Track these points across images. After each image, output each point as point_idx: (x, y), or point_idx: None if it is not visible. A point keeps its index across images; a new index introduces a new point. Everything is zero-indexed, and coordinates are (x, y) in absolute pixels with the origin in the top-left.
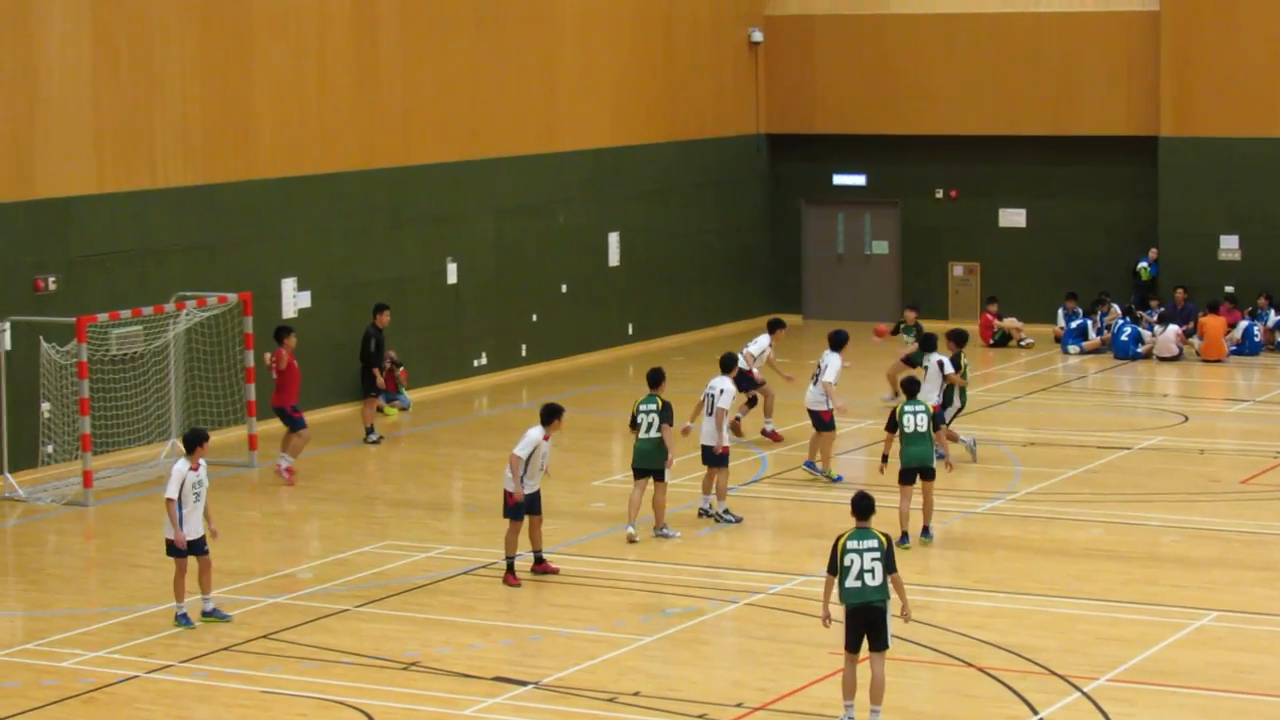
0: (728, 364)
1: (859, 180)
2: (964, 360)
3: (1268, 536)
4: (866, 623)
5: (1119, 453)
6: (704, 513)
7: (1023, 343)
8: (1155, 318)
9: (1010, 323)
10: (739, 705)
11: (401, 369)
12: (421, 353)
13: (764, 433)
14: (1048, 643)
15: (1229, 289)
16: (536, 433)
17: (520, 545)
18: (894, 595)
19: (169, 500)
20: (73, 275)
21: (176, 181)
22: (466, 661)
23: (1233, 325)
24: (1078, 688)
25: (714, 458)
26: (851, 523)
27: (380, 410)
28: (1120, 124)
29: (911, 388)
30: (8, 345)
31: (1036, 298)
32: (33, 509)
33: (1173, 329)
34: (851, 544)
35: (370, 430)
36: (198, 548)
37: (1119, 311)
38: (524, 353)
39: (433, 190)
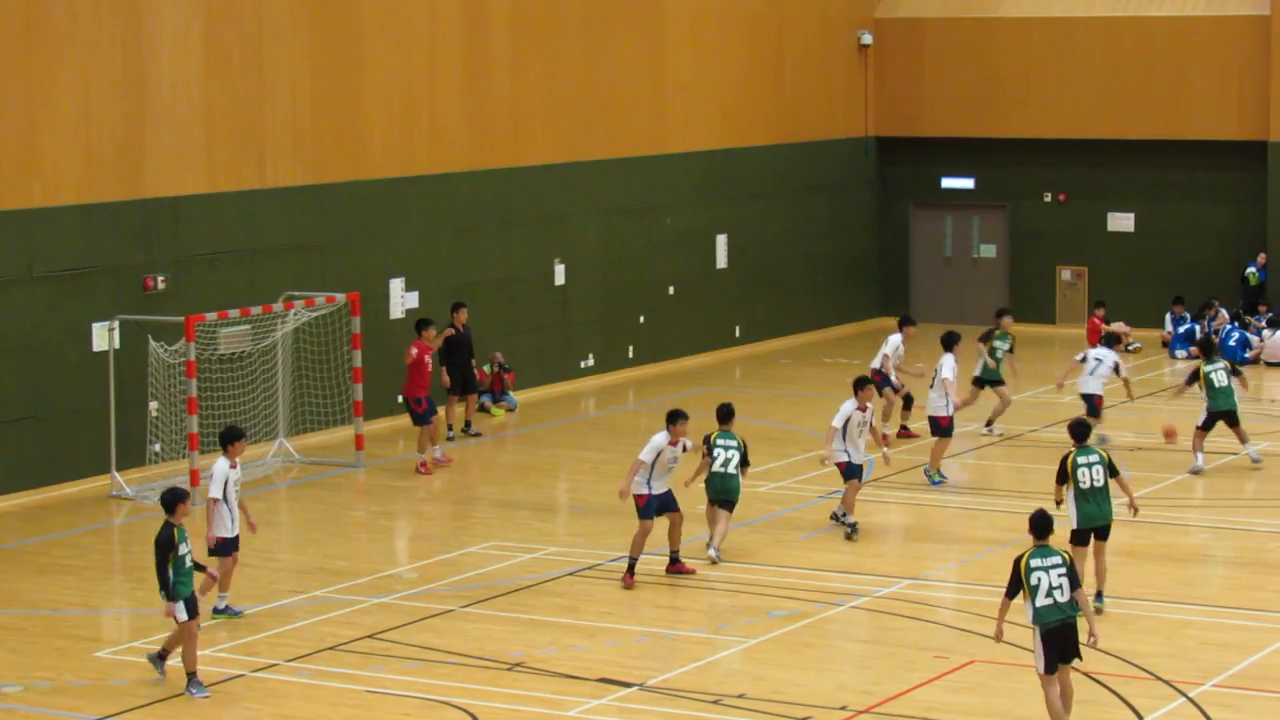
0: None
1: (967, 183)
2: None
3: None
4: (1064, 640)
5: (1227, 458)
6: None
7: (1130, 347)
8: (1263, 323)
9: (1118, 327)
10: (843, 708)
11: (509, 372)
12: (529, 354)
13: (902, 431)
14: (1154, 648)
15: None
16: (661, 438)
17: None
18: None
19: (213, 500)
20: (182, 274)
21: (285, 181)
22: (571, 663)
23: None
24: (1183, 693)
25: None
26: (1028, 541)
27: (486, 410)
28: (1230, 128)
29: (1081, 432)
30: (117, 344)
31: (1144, 302)
32: (140, 507)
33: None
34: (1035, 562)
35: (453, 428)
36: (234, 545)
37: (1227, 316)
38: (631, 354)
39: (541, 191)
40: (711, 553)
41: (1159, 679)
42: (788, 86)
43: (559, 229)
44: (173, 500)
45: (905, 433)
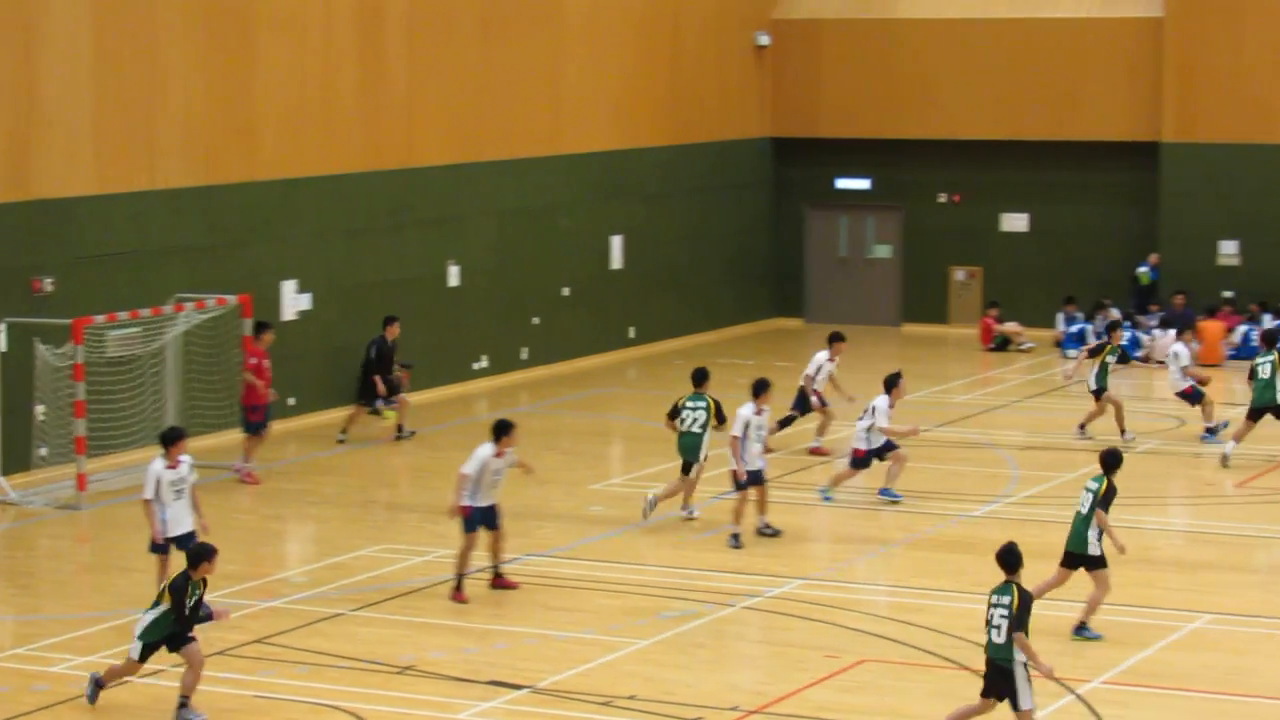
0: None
1: (863, 184)
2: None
3: (1263, 539)
4: (991, 676)
5: None
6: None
7: (1023, 347)
8: (1155, 322)
9: (1010, 327)
10: (734, 709)
11: (406, 371)
12: (422, 355)
13: (811, 450)
14: (1044, 646)
15: (1228, 294)
16: (486, 449)
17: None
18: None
19: (146, 501)
20: (70, 276)
21: (176, 183)
22: (461, 666)
23: (1231, 330)
24: (1071, 690)
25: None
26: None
27: (378, 414)
28: (1123, 129)
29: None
30: (3, 347)
31: (1037, 302)
32: (25, 512)
33: (1171, 333)
34: (992, 598)
35: (344, 432)
36: (183, 543)
37: (1119, 316)
38: (525, 356)
39: (435, 192)
40: (682, 513)
41: (1049, 677)
42: (684, 87)
43: (453, 230)
44: (198, 557)
45: (817, 450)
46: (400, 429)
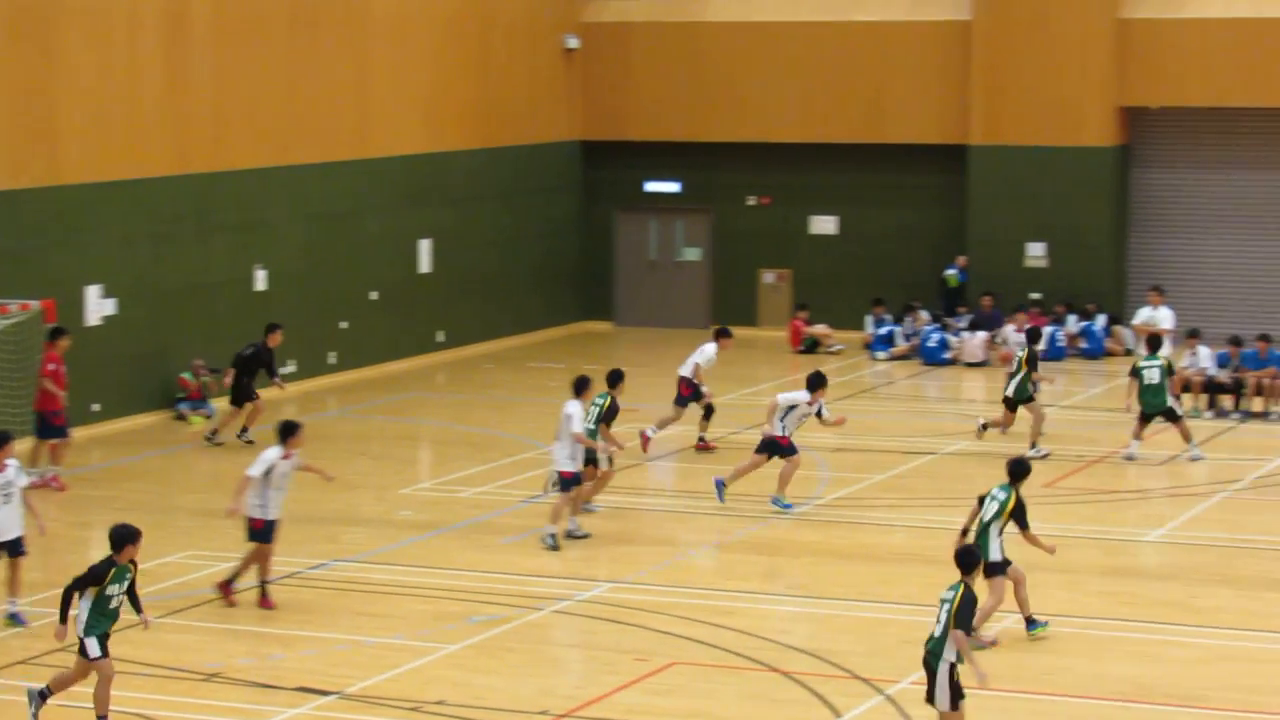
0: (580, 387)
1: (672, 187)
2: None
3: (1070, 539)
4: (928, 678)
5: (925, 457)
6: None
7: (832, 349)
8: (963, 324)
9: (819, 329)
10: (544, 713)
11: (211, 378)
12: (229, 360)
13: (699, 443)
14: (852, 646)
15: (1035, 295)
16: (273, 452)
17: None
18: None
19: None
20: None
21: None
22: (269, 672)
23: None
24: (880, 690)
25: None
26: None
27: (184, 419)
28: (931, 133)
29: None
30: None
31: (847, 304)
32: None
33: (980, 335)
34: (945, 593)
35: (244, 430)
36: (13, 548)
37: (927, 318)
38: (333, 360)
39: (242, 196)
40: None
41: (857, 677)
42: (492, 90)
43: (260, 234)
44: (121, 540)
45: (703, 445)
46: (245, 430)
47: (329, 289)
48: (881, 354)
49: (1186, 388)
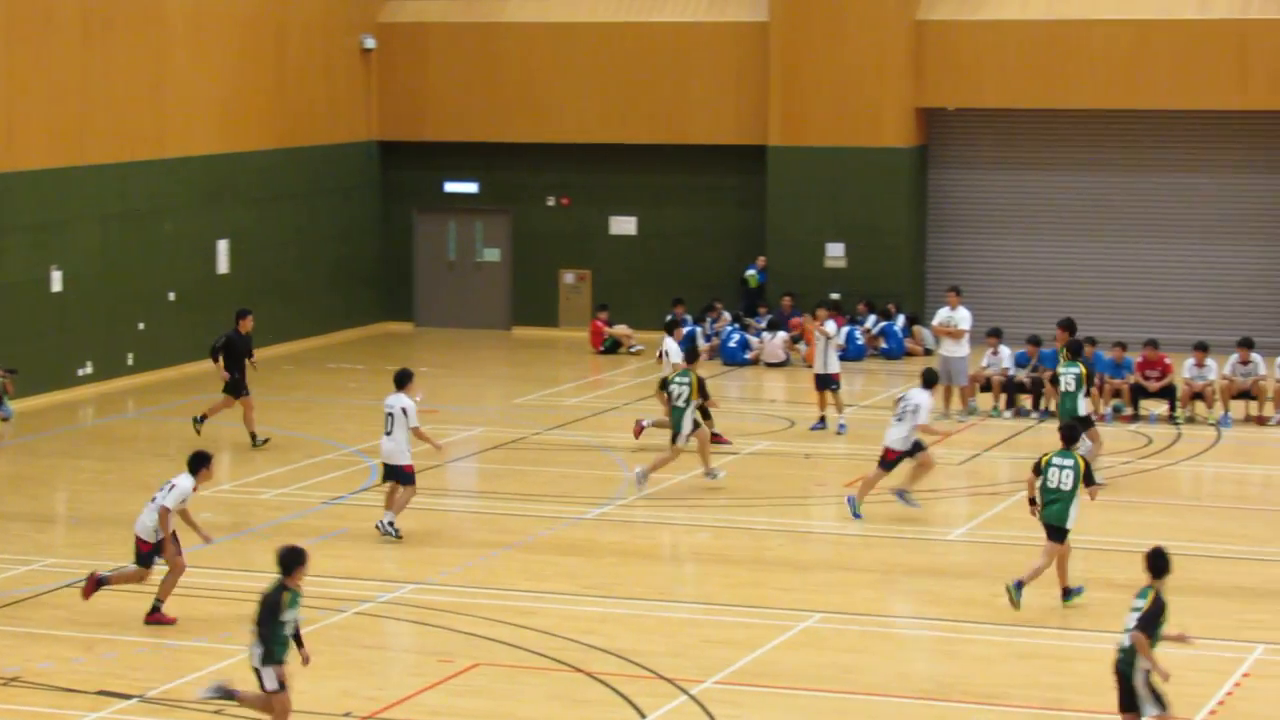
0: (401, 380)
1: (471, 188)
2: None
3: (871, 539)
4: (1121, 687)
5: (727, 457)
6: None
7: (632, 349)
8: (763, 324)
9: (620, 330)
10: (347, 715)
11: (8, 380)
12: (25, 362)
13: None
14: (655, 646)
15: (835, 295)
16: (187, 483)
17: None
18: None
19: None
20: None
21: None
22: (69, 676)
23: (838, 331)
24: (685, 690)
25: (401, 474)
26: None
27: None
28: (730, 133)
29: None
30: None
31: (647, 305)
32: None
33: (780, 335)
34: (1135, 600)
35: (254, 436)
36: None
37: (728, 318)
38: (131, 361)
39: (37, 197)
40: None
41: (661, 677)
42: (289, 90)
43: (56, 235)
44: (292, 562)
45: (717, 438)
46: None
47: (126, 290)
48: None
49: (986, 387)
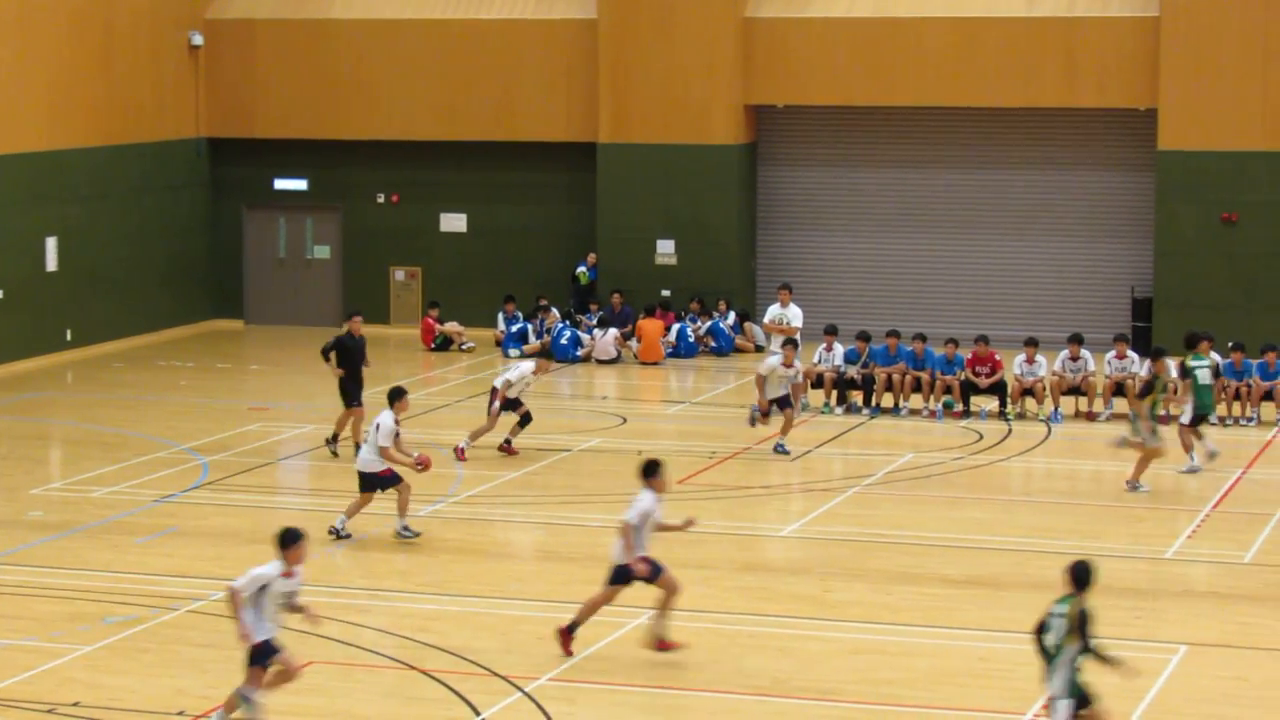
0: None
1: (301, 185)
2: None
3: (703, 535)
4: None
5: (559, 455)
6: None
7: (463, 346)
8: (594, 321)
9: (451, 327)
10: (181, 713)
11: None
12: None
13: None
14: (490, 644)
15: (665, 293)
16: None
17: None
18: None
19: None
20: None
21: None
22: None
23: (669, 328)
24: (519, 687)
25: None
26: None
27: None
28: (560, 130)
29: None
30: None
31: (479, 302)
32: None
33: (611, 332)
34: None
35: (334, 438)
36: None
37: (558, 315)
38: None
39: None
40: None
41: (495, 674)
42: (117, 87)
43: None
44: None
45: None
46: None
47: None
48: (513, 351)
49: (819, 384)
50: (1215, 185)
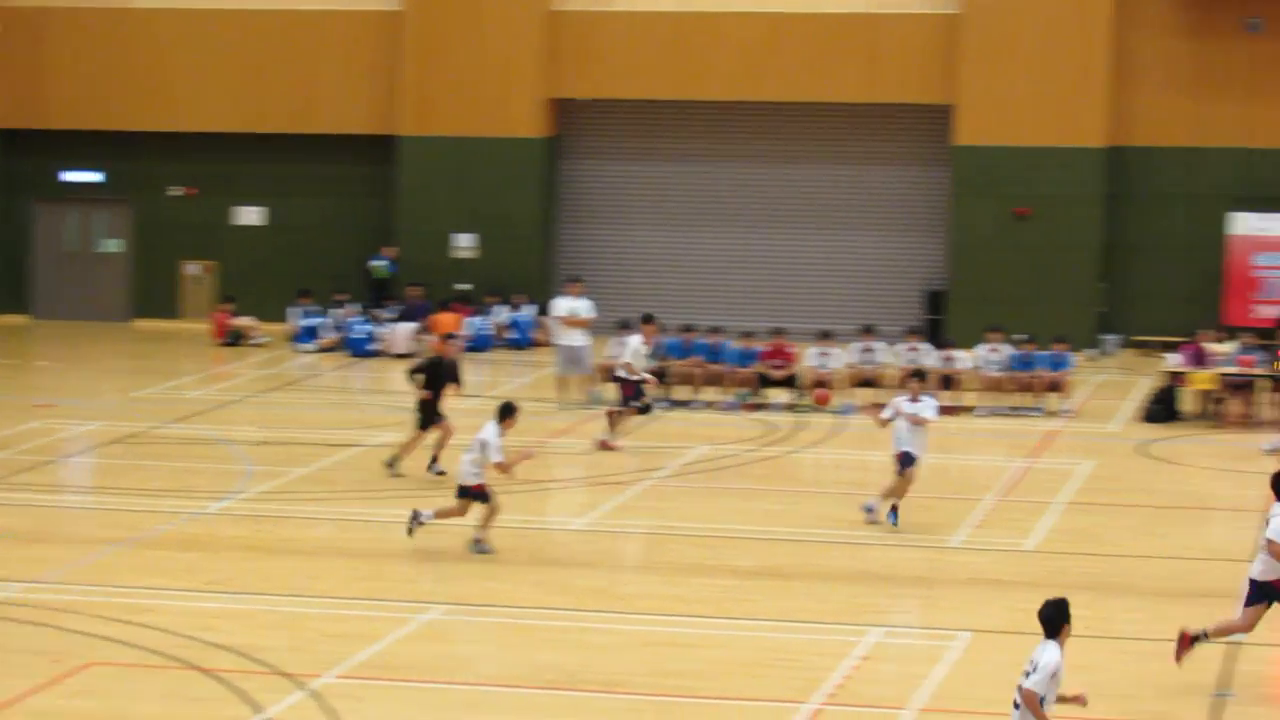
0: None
1: (93, 177)
2: None
3: (494, 530)
4: None
5: (352, 450)
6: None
7: (256, 341)
8: (394, 315)
9: (244, 321)
10: None
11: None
12: None
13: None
14: (275, 641)
15: (464, 286)
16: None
17: None
18: None
19: None
20: None
21: None
22: None
23: (466, 322)
24: (304, 686)
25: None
26: None
27: None
28: (362, 123)
29: None
30: None
31: (275, 296)
32: None
33: (408, 326)
34: None
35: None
36: None
37: (355, 309)
38: None
39: None
40: None
41: (280, 673)
42: None
43: None
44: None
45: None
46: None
47: None
48: (307, 346)
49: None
50: (1010, 180)
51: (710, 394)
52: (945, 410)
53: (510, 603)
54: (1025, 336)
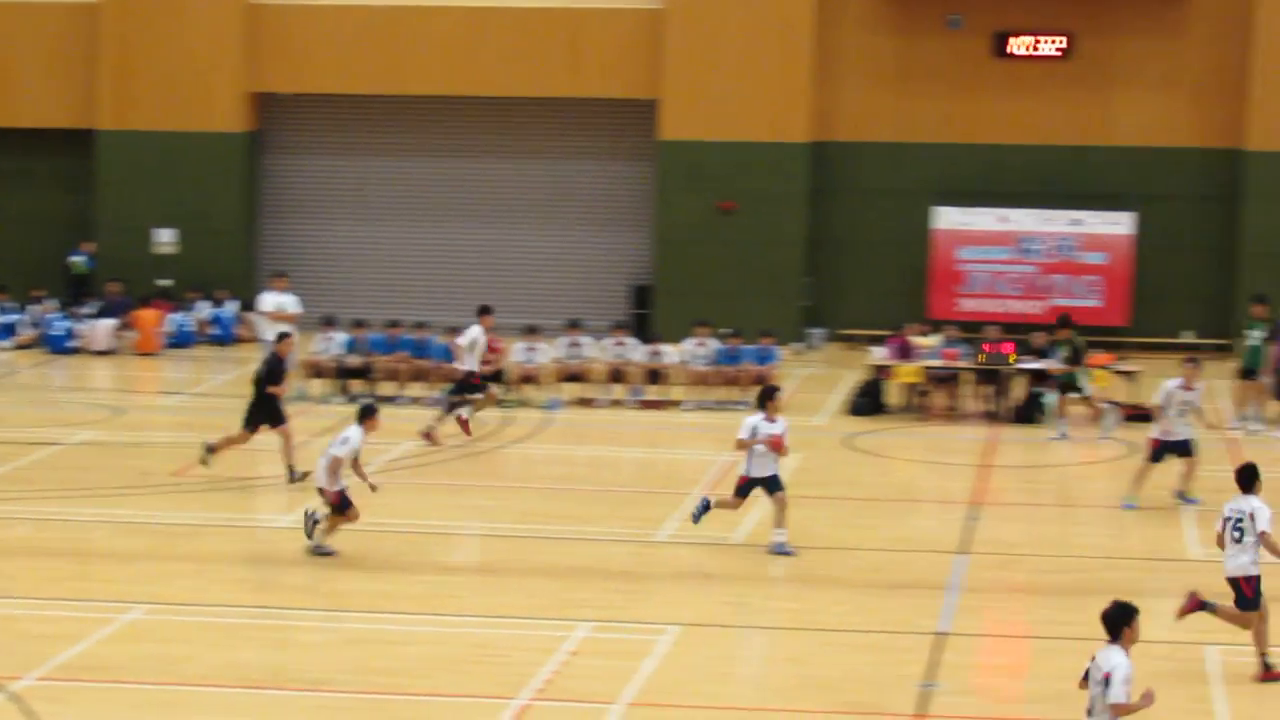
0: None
1: None
2: None
3: (197, 528)
4: None
5: (49, 448)
6: None
7: None
8: (93, 311)
9: None
10: None
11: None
12: None
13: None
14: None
15: (165, 282)
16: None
17: None
18: None
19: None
20: None
21: None
22: None
23: (166, 318)
24: (4, 688)
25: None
26: None
27: None
28: (58, 116)
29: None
30: None
31: None
32: None
33: (108, 323)
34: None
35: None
36: None
37: (53, 305)
38: None
39: None
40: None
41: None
42: None
43: None
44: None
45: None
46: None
47: None
48: (4, 343)
49: (319, 373)
50: (715, 175)
51: (416, 389)
52: (652, 405)
53: (215, 601)
54: (731, 331)
